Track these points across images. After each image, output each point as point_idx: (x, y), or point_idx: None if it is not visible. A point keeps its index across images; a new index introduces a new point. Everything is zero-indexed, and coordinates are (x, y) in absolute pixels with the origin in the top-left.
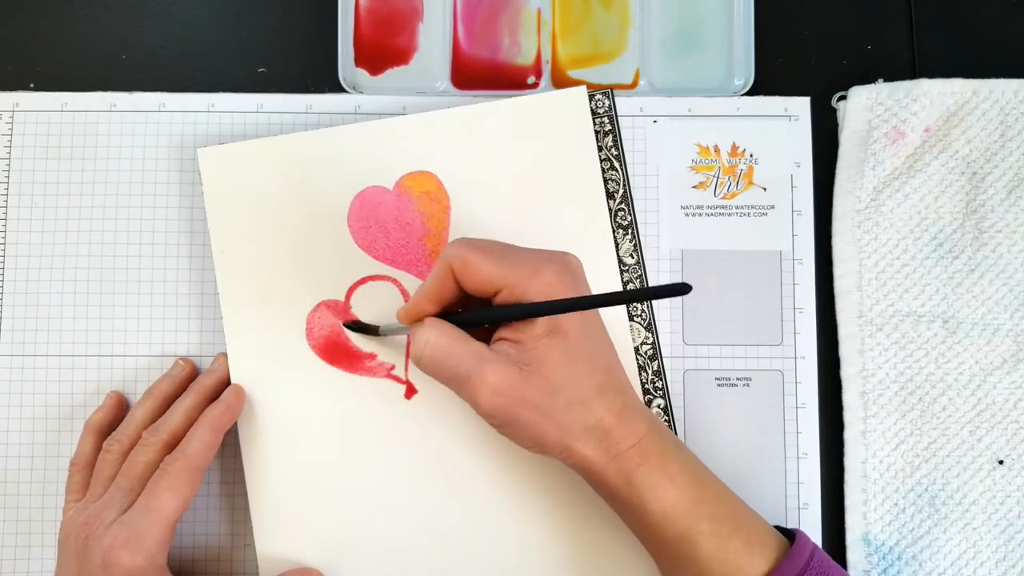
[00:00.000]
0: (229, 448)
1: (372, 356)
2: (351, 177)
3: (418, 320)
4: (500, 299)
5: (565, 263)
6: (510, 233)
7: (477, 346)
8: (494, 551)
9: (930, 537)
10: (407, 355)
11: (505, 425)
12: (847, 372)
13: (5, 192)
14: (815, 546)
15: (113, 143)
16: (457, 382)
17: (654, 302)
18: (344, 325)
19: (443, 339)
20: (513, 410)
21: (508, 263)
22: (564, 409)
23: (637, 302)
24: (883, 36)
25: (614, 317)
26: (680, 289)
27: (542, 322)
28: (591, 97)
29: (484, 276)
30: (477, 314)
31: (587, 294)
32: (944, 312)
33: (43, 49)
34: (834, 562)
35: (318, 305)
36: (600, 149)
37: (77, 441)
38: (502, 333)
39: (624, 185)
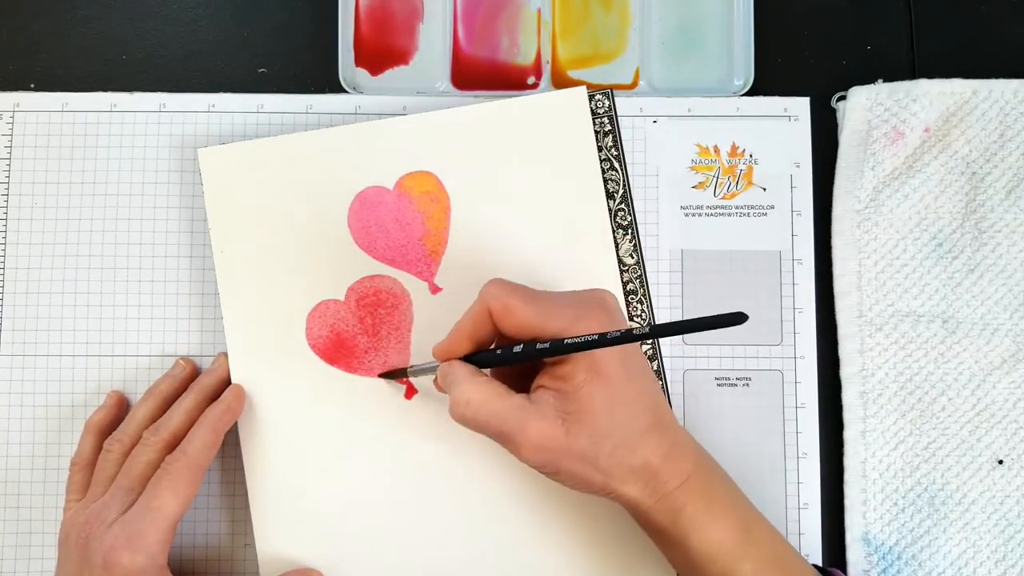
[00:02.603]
0: (229, 448)
1: (372, 356)
2: (351, 177)
3: (453, 357)
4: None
5: (603, 305)
6: (509, 233)
7: (518, 400)
8: (494, 551)
9: (930, 537)
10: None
11: (551, 475)
12: (847, 372)
13: (5, 192)
14: None
15: (113, 143)
16: (501, 439)
17: (653, 302)
18: (379, 375)
19: (483, 396)
20: (558, 462)
21: (548, 310)
22: (610, 454)
23: (689, 332)
24: (883, 36)
25: None
26: (736, 319)
27: (582, 368)
28: (591, 97)
29: (523, 321)
30: (515, 353)
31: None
32: (944, 312)
33: (43, 49)
34: None
35: (318, 305)
36: (600, 149)
37: (78, 441)
38: (542, 381)
39: (624, 185)
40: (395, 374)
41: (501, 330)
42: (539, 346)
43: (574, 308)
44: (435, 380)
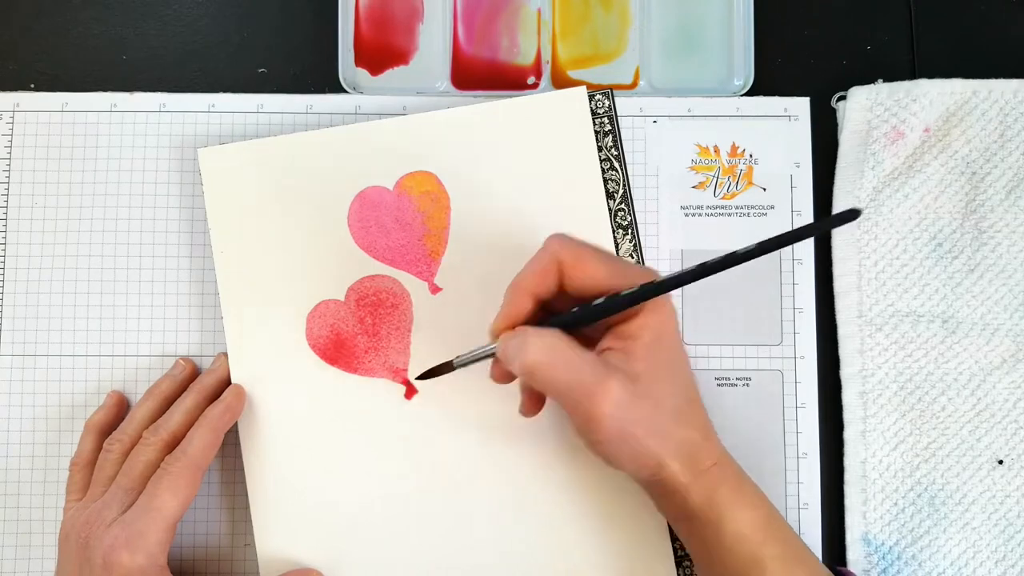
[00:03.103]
0: (229, 448)
1: (372, 356)
2: (351, 177)
3: (516, 324)
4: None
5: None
6: (510, 233)
7: (592, 358)
8: (494, 551)
9: (930, 537)
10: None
11: (611, 441)
12: (847, 372)
13: (5, 192)
14: None
15: (113, 143)
16: (574, 394)
17: None
18: (416, 378)
19: (561, 344)
20: (624, 423)
21: (618, 265)
22: (667, 423)
23: (791, 243)
24: (883, 36)
25: None
26: (850, 215)
27: (650, 329)
28: (591, 97)
29: (594, 274)
30: (597, 307)
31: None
32: (944, 312)
33: (43, 49)
34: None
35: (318, 305)
36: (600, 149)
37: (78, 441)
38: (608, 343)
39: (624, 185)
40: (438, 371)
41: (567, 285)
42: (624, 293)
43: (640, 268)
44: (492, 366)
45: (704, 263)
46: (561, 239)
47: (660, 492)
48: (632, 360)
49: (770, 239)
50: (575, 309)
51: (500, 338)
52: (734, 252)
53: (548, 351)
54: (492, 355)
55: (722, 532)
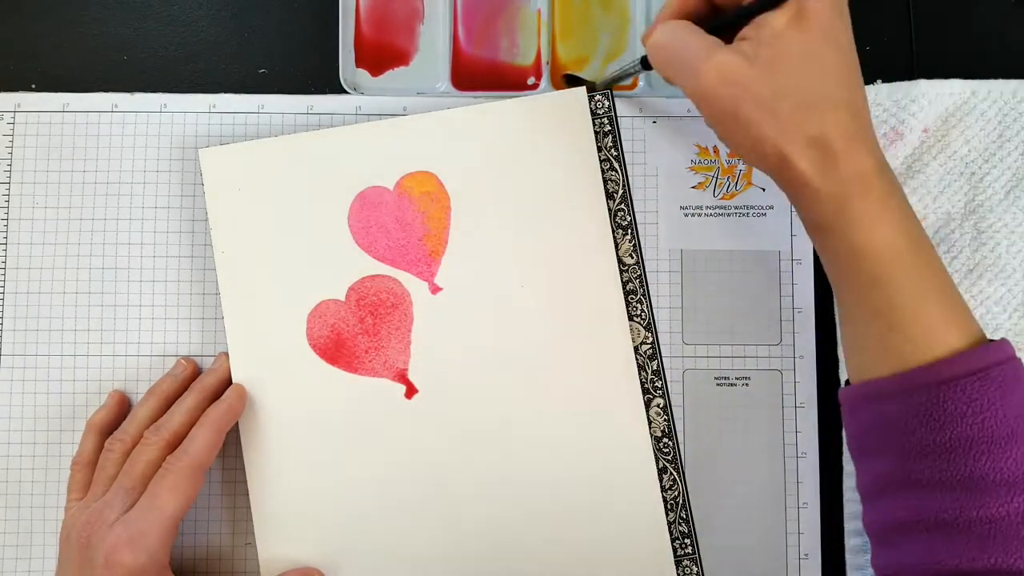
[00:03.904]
0: (230, 447)
1: (373, 356)
2: (351, 177)
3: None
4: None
5: None
6: (510, 233)
7: (712, 39)
8: (494, 550)
9: None
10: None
11: (727, 118)
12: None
13: (7, 192)
14: (1015, 355)
15: (114, 144)
16: (683, 68)
17: (653, 302)
18: (564, 76)
19: (682, 27)
20: (737, 102)
21: None
22: (790, 112)
23: None
24: (882, 36)
25: (614, 316)
26: None
27: (788, 11)
28: (591, 98)
29: None
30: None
31: None
32: None
33: (44, 50)
34: None
35: (318, 305)
36: (600, 150)
37: (79, 440)
38: (744, 32)
39: (623, 185)
40: (581, 82)
41: None
42: None
43: None
44: (640, 60)
45: None
46: None
47: (790, 192)
48: (759, 45)
49: None
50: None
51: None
52: None
53: (668, 32)
54: (635, 71)
55: (852, 247)
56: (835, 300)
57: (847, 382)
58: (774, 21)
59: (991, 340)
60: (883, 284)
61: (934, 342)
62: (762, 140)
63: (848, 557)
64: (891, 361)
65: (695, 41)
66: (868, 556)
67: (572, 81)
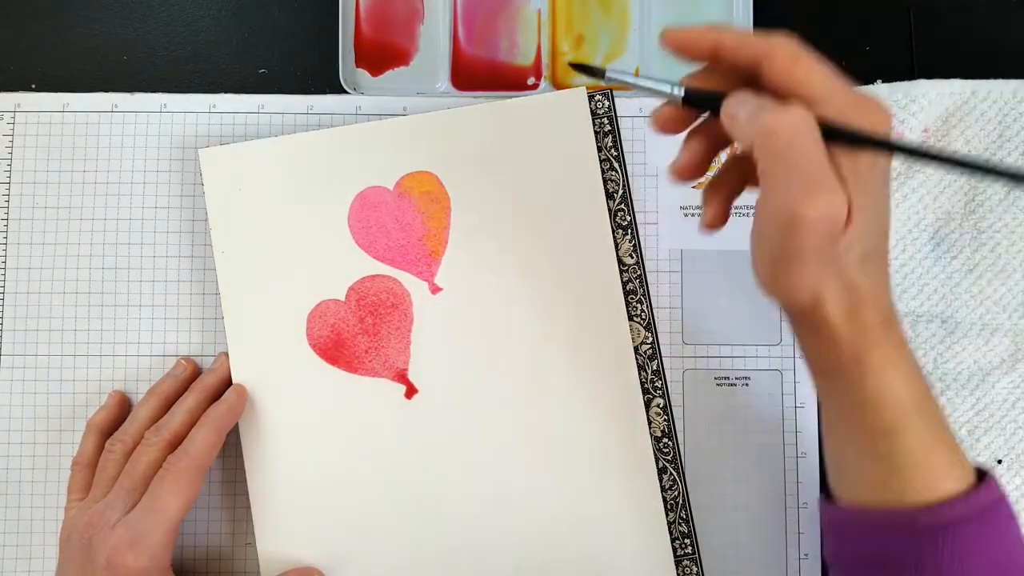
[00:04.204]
0: (230, 448)
1: (373, 356)
2: (351, 177)
3: (691, 46)
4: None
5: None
6: (510, 233)
7: (829, 164)
8: (494, 551)
9: None
10: (409, 350)
11: (794, 255)
12: None
13: (6, 192)
14: (1005, 494)
15: (114, 144)
16: (791, 180)
17: (653, 302)
18: (569, 64)
19: (815, 127)
20: (819, 239)
21: (857, 95)
22: (840, 255)
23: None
24: (882, 36)
25: (614, 316)
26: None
27: (873, 166)
28: (591, 98)
29: (820, 94)
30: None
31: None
32: (943, 312)
33: (44, 50)
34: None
35: (318, 305)
36: (600, 150)
37: (79, 441)
38: (841, 159)
39: (624, 185)
40: (591, 71)
41: (771, 78)
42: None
43: (868, 102)
44: (662, 111)
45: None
46: (789, 37)
47: (809, 332)
48: (855, 189)
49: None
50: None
51: (731, 97)
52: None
53: (806, 120)
54: (669, 99)
55: (864, 395)
56: (824, 424)
57: (828, 492)
58: (870, 160)
59: (978, 468)
60: (893, 433)
61: (935, 487)
62: (809, 277)
63: None
64: (889, 497)
65: (822, 156)
66: None
67: (580, 69)
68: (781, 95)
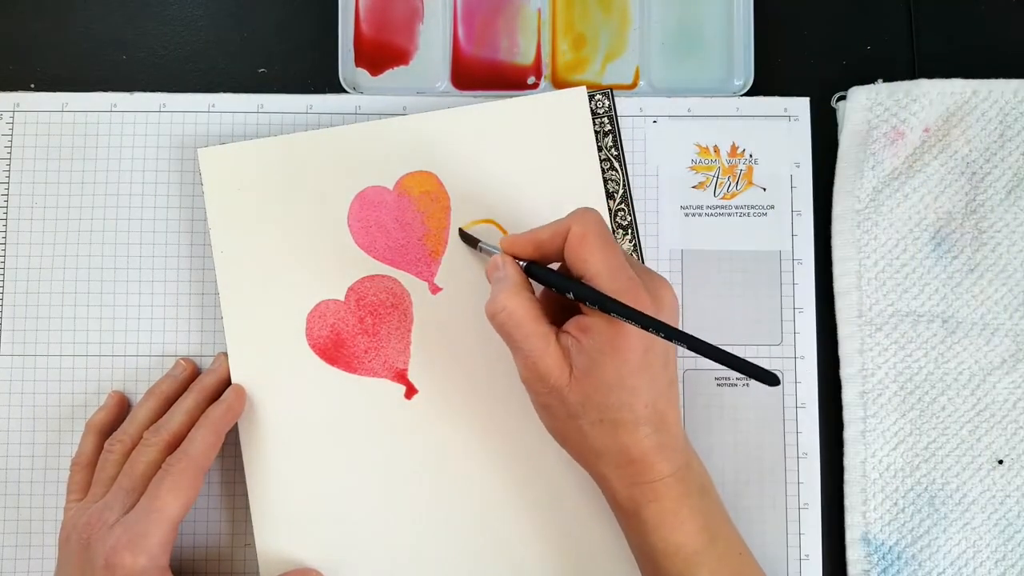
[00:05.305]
0: (229, 448)
1: (372, 356)
2: (351, 177)
3: (513, 255)
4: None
5: (661, 295)
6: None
7: (546, 329)
8: (493, 551)
9: (930, 537)
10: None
11: (539, 408)
12: (847, 372)
13: (6, 192)
14: None
15: (114, 143)
16: (514, 354)
17: None
18: (459, 231)
19: (520, 311)
20: (550, 400)
21: (615, 265)
22: (592, 423)
23: (722, 364)
24: (883, 36)
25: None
26: (771, 379)
27: (606, 335)
28: (591, 97)
29: (589, 259)
30: (565, 282)
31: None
32: (943, 312)
33: (43, 49)
34: None
35: (318, 305)
36: (600, 149)
37: (78, 441)
38: (570, 327)
39: (624, 185)
40: (471, 240)
41: (566, 257)
42: (588, 289)
43: (637, 278)
44: (487, 268)
45: (644, 315)
46: (590, 214)
47: (598, 484)
48: (579, 353)
49: (698, 340)
50: (553, 272)
51: (498, 258)
52: (669, 330)
53: (510, 310)
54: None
55: (651, 546)
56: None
57: None
58: (596, 335)
59: None
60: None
61: None
62: (566, 437)
63: (849, 557)
64: None
65: (532, 331)
66: (870, 561)
67: (464, 238)
68: (576, 271)
